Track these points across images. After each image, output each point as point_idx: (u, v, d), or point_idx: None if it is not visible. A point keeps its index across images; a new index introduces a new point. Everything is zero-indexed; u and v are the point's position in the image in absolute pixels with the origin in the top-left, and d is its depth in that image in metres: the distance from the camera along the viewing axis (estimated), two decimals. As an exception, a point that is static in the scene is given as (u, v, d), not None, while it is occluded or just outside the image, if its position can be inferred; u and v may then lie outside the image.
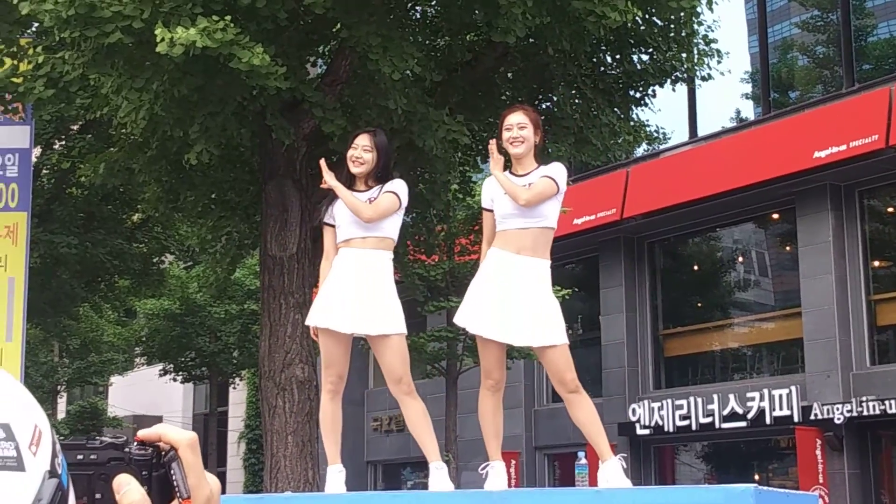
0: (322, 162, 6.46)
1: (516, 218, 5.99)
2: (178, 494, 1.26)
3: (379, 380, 28.85)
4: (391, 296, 6.11)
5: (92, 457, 1.28)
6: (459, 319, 6.07)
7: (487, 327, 5.92)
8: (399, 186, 6.22)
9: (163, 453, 1.28)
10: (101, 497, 1.26)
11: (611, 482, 5.72)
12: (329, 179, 6.23)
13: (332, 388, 6.22)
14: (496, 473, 6.01)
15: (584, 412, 5.94)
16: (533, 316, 5.92)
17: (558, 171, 6.05)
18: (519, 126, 6.03)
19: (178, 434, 1.29)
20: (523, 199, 5.89)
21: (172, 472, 1.27)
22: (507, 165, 6.19)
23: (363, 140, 6.29)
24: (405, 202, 6.20)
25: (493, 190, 6.07)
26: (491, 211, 6.08)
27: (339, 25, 11.11)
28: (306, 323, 6.47)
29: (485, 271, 6.03)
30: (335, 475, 6.14)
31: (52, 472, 1.15)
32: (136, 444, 1.30)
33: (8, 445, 1.11)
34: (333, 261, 6.20)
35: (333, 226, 6.26)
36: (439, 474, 6.06)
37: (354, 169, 6.22)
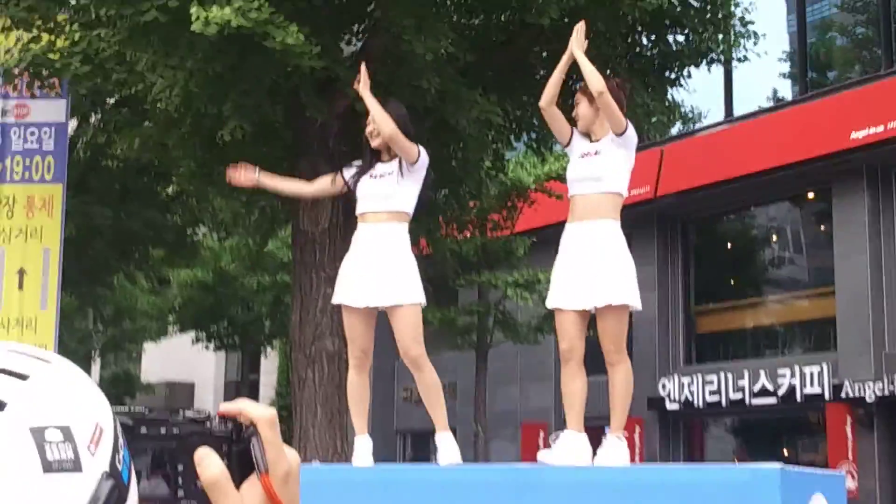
0: (363, 67, 6.50)
1: (579, 183, 6.10)
2: (257, 469, 1.28)
3: (410, 351, 28.98)
4: (404, 267, 6.14)
5: (175, 431, 1.29)
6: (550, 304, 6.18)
7: (563, 298, 6.04)
8: (421, 147, 6.26)
9: (243, 428, 1.30)
10: (183, 469, 1.28)
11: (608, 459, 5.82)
12: (362, 88, 6.33)
13: (357, 362, 6.28)
14: (567, 441, 6.08)
15: (619, 378, 6.27)
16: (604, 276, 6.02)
17: (631, 132, 6.22)
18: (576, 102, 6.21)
19: (258, 411, 1.30)
20: (598, 87, 5.96)
21: (252, 446, 1.29)
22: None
23: None
24: (423, 161, 6.19)
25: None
26: None
27: (372, 5, 11.10)
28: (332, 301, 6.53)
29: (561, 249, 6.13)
30: (362, 446, 6.20)
31: (112, 471, 1.18)
32: (217, 419, 1.31)
33: (66, 447, 1.14)
34: (353, 236, 6.28)
35: (339, 178, 6.40)
36: (445, 444, 6.13)
37: (373, 142, 6.27)
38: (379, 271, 6.06)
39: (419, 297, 6.11)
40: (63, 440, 1.15)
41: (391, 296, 6.05)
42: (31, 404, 1.16)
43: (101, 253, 18.43)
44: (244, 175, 6.53)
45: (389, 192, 6.15)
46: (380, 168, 6.23)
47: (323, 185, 6.54)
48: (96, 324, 30.16)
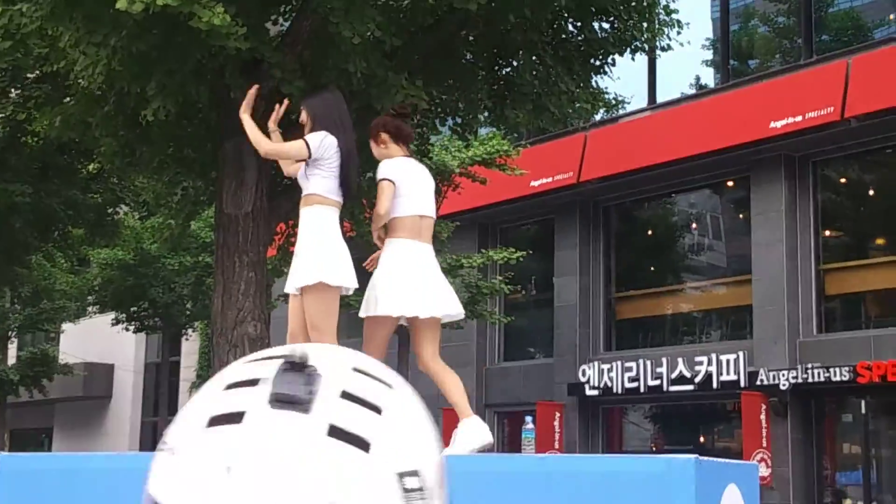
0: (252, 90, 6.57)
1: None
2: None
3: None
4: (308, 248, 6.21)
5: None
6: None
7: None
8: (312, 136, 6.26)
9: None
10: None
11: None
12: (242, 112, 6.46)
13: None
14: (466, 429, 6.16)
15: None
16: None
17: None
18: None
19: None
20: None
21: None
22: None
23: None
24: (319, 151, 6.20)
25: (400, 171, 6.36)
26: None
27: (300, -14, 11.06)
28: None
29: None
30: None
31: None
32: None
33: (421, 494, 1.07)
34: None
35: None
36: None
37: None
38: (296, 257, 6.19)
39: (321, 277, 6.10)
40: (419, 487, 1.07)
41: (295, 279, 6.14)
42: (392, 445, 1.08)
43: (20, 231, 18.15)
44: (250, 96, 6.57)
45: (301, 177, 6.28)
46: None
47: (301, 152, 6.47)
48: (13, 304, 29.65)
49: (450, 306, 6.34)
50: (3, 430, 30.22)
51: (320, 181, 6.24)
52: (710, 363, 19.62)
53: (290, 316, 6.37)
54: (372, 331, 6.25)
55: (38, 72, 15.17)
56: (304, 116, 6.42)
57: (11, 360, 31.66)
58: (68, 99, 13.58)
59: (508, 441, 23.77)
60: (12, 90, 16.66)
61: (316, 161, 6.22)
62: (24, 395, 31.56)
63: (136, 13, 9.20)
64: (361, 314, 6.23)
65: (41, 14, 10.28)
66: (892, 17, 19.50)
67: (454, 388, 6.35)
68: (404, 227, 6.22)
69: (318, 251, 6.16)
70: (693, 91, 21.47)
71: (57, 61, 11.40)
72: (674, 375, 20.11)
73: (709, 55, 21.62)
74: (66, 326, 33.84)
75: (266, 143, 6.30)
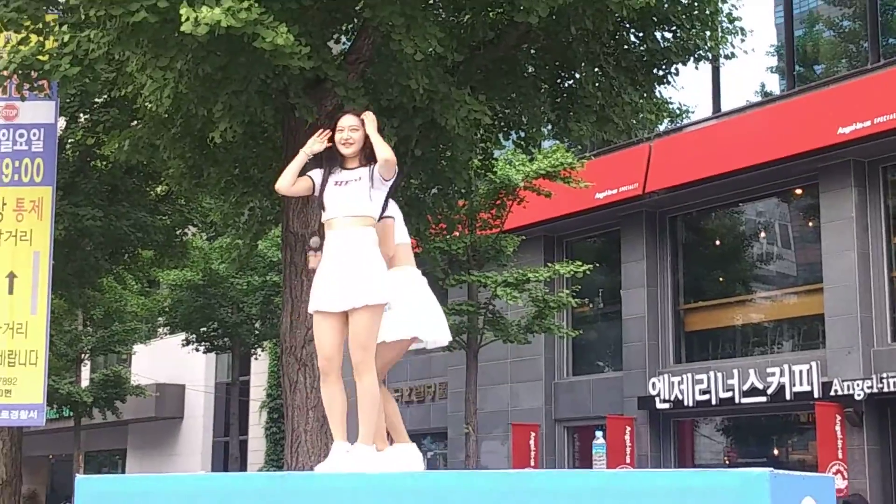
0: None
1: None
2: None
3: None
4: (369, 269, 6.17)
5: None
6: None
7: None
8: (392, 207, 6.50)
9: None
10: None
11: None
12: (369, 128, 6.29)
13: (322, 370, 6.34)
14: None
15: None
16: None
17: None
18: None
19: None
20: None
21: None
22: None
23: (349, 120, 6.35)
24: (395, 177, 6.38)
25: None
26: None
27: (361, 4, 11.12)
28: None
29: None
30: (337, 451, 6.21)
31: None
32: None
33: None
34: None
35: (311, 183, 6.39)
36: (350, 453, 6.16)
37: (345, 150, 6.28)
38: (347, 275, 6.11)
39: (378, 298, 6.10)
40: None
41: (356, 298, 6.09)
42: None
43: (90, 254, 18.41)
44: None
45: (359, 198, 6.20)
46: (345, 175, 6.27)
47: (304, 186, 6.49)
48: (86, 326, 30.08)
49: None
50: (78, 453, 30.63)
51: (378, 205, 6.27)
52: (782, 374, 19.36)
53: (326, 336, 6.16)
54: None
55: (105, 96, 15.44)
56: (356, 125, 6.36)
57: (85, 383, 32.09)
58: (136, 122, 13.79)
59: (579, 456, 23.63)
60: (81, 115, 16.96)
61: (384, 184, 6.26)
62: (98, 417, 31.98)
63: (200, 36, 9.31)
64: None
65: (108, 40, 10.43)
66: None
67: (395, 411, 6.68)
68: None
69: (378, 273, 6.17)
70: (758, 98, 21.26)
71: (124, 86, 11.58)
72: (745, 387, 19.87)
73: (773, 62, 21.40)
74: (137, 348, 34.26)
75: (390, 149, 6.27)
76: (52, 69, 10.77)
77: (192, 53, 10.25)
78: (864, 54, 19.61)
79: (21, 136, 13.76)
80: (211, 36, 9.41)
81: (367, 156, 6.29)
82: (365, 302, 6.06)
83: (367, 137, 6.27)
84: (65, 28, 10.81)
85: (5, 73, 11.30)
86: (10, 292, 13.70)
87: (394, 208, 6.57)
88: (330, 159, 6.31)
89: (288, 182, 6.30)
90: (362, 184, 6.17)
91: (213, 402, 36.69)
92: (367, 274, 6.10)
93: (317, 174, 6.35)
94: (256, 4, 9.42)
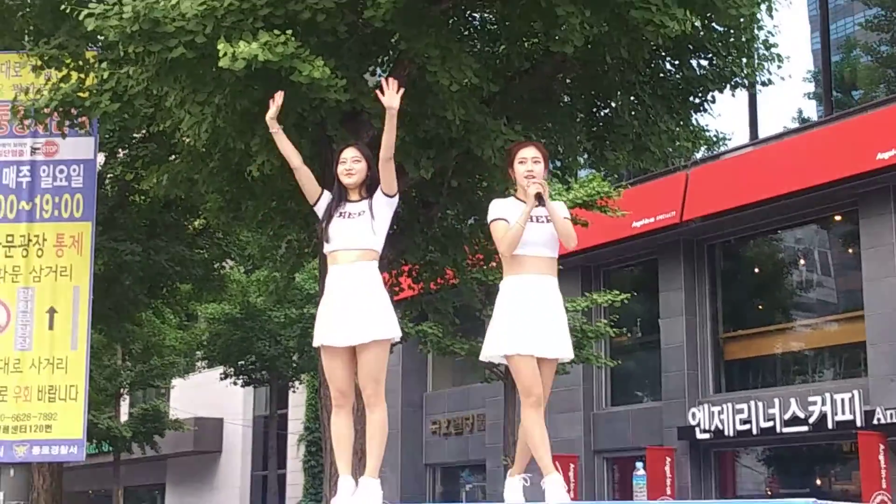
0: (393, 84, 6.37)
1: (539, 247, 6.27)
2: None
3: (437, 383, 28.93)
4: (378, 303, 6.22)
5: None
6: (487, 353, 6.23)
7: (524, 344, 6.07)
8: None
9: None
10: None
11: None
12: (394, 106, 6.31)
13: (336, 403, 6.34)
14: (554, 484, 6.12)
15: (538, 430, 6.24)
16: (565, 330, 6.27)
17: (566, 210, 6.50)
18: (534, 160, 6.30)
19: None
20: (574, 243, 6.31)
21: None
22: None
23: (351, 152, 6.42)
24: (397, 197, 6.42)
25: (509, 210, 6.28)
26: (505, 220, 6.24)
27: (397, 36, 11.17)
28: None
29: (508, 297, 6.20)
30: (344, 487, 6.25)
31: None
32: None
33: None
34: (326, 278, 6.36)
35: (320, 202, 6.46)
36: (364, 488, 6.17)
37: (346, 180, 6.33)
38: (355, 310, 6.11)
39: (391, 333, 6.20)
40: None
41: (365, 332, 6.07)
42: None
43: (130, 289, 18.51)
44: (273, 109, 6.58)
45: (363, 231, 6.20)
46: (349, 207, 6.28)
47: (312, 187, 6.48)
48: (125, 361, 30.24)
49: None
50: (117, 488, 30.71)
51: (381, 237, 6.29)
52: (823, 403, 19.16)
53: (338, 371, 6.24)
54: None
55: (144, 131, 15.55)
56: (358, 157, 6.39)
57: (124, 417, 32.21)
58: (174, 157, 13.88)
59: (619, 488, 23.44)
60: (120, 150, 17.10)
61: (387, 206, 6.30)
62: (137, 452, 32.06)
63: (238, 70, 9.38)
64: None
65: (147, 76, 10.54)
66: None
67: None
68: None
69: (388, 307, 6.19)
70: (796, 125, 21.15)
71: (162, 121, 11.66)
72: (787, 416, 19.67)
73: (811, 88, 21.30)
74: (175, 382, 34.39)
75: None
76: (93, 106, 10.89)
77: (230, 88, 10.32)
78: (902, 79, 19.49)
79: (61, 171, 13.87)
80: (248, 70, 9.48)
81: (369, 188, 6.32)
82: (374, 337, 6.09)
83: (368, 170, 6.30)
84: (104, 65, 10.93)
85: (46, 110, 11.43)
86: (51, 328, 13.77)
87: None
88: (335, 193, 6.35)
89: (295, 159, 6.51)
90: (365, 217, 6.21)
91: (252, 435, 36.73)
92: (374, 308, 6.12)
93: (326, 197, 6.38)
94: (293, 38, 9.49)
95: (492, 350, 6.19)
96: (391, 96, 6.20)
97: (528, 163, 6.27)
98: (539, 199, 6.20)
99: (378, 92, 6.35)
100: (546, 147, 13.91)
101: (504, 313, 6.16)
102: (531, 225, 6.19)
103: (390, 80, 6.34)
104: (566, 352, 6.22)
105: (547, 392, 6.22)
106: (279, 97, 6.51)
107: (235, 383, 29.47)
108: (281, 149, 6.54)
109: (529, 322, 6.07)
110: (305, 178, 6.45)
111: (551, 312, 6.17)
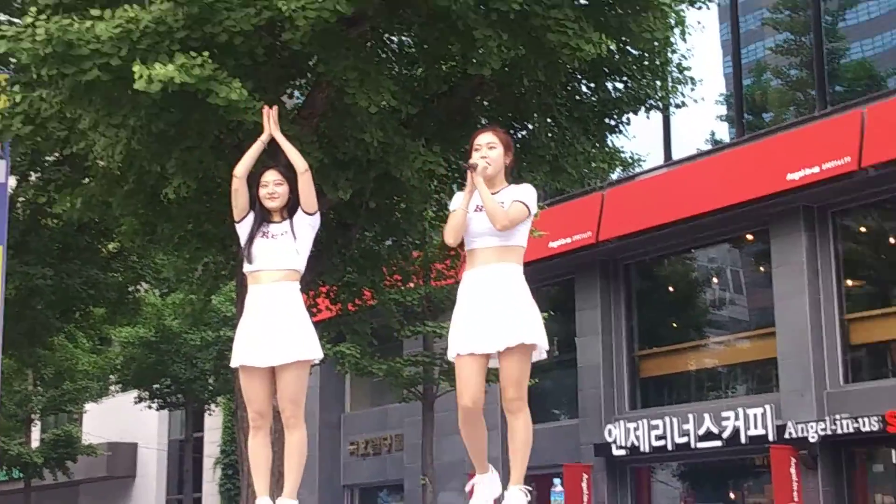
0: (273, 110, 6.47)
1: (486, 237, 5.86)
2: None
3: (355, 404, 28.82)
4: (299, 324, 6.18)
5: None
6: (451, 353, 5.91)
7: (462, 344, 5.81)
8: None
9: None
10: None
11: None
12: (274, 130, 6.42)
13: (254, 424, 6.31)
14: (486, 483, 6.08)
15: (523, 432, 6.08)
16: (518, 317, 5.84)
17: (530, 194, 5.92)
18: (488, 146, 5.85)
19: None
20: (500, 224, 5.76)
21: None
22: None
23: (272, 175, 6.39)
24: (318, 216, 6.37)
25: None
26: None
27: (315, 59, 11.15)
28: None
29: (459, 297, 5.96)
30: None
31: None
32: None
33: None
34: (246, 298, 6.31)
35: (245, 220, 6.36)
36: None
37: (269, 203, 6.31)
38: (276, 330, 6.09)
39: (313, 354, 6.17)
40: None
41: (286, 353, 6.07)
42: None
43: (41, 313, 18.21)
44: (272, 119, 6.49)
45: (286, 252, 6.20)
46: (272, 228, 6.27)
47: (243, 202, 6.41)
48: (36, 386, 29.67)
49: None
50: (28, 514, 30.11)
51: (304, 256, 6.29)
52: (737, 418, 19.45)
53: (257, 391, 6.19)
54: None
55: (57, 154, 15.30)
56: (280, 180, 6.39)
57: (35, 443, 31.59)
58: (88, 180, 13.67)
59: (537, 505, 23.55)
60: (32, 174, 16.81)
61: (309, 225, 6.31)
62: (49, 478, 31.46)
63: (154, 92, 9.29)
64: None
65: (61, 99, 10.37)
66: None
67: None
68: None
69: (309, 327, 6.19)
70: (709, 146, 21.48)
71: (76, 143, 11.48)
72: (701, 432, 19.93)
73: (723, 110, 21.67)
74: (88, 406, 33.82)
75: (305, 162, 6.35)
76: (4, 129, 10.68)
77: (146, 110, 10.20)
78: (812, 101, 19.90)
79: (-29, 195, 13.60)
80: (164, 93, 9.39)
81: (290, 209, 6.31)
82: (295, 357, 6.07)
83: (290, 192, 6.28)
84: (16, 88, 10.73)
85: (-44, 132, 11.18)
86: (-40, 353, 13.47)
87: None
88: (256, 214, 6.32)
89: (245, 168, 6.34)
90: (288, 237, 6.21)
91: (167, 459, 36.25)
92: (295, 329, 6.11)
93: (251, 217, 6.34)
94: (210, 61, 9.42)
95: (448, 355, 5.99)
96: (269, 128, 6.39)
97: (483, 149, 5.81)
98: (477, 177, 5.75)
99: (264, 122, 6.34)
100: (461, 169, 14.04)
101: (454, 315, 5.91)
102: (474, 214, 5.79)
103: (270, 109, 6.41)
104: (517, 338, 5.76)
105: (524, 382, 5.97)
106: (274, 112, 6.46)
107: (150, 407, 29.07)
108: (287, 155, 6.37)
109: (470, 319, 5.78)
110: (244, 192, 6.38)
111: (499, 303, 5.77)
